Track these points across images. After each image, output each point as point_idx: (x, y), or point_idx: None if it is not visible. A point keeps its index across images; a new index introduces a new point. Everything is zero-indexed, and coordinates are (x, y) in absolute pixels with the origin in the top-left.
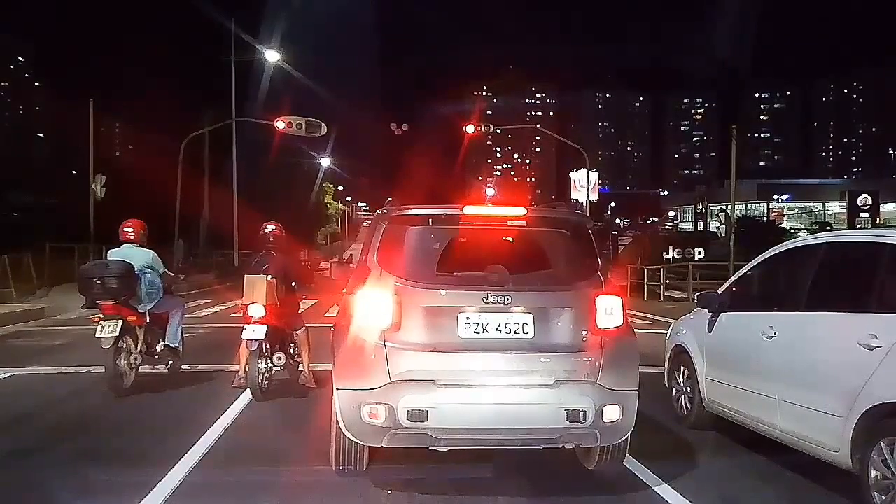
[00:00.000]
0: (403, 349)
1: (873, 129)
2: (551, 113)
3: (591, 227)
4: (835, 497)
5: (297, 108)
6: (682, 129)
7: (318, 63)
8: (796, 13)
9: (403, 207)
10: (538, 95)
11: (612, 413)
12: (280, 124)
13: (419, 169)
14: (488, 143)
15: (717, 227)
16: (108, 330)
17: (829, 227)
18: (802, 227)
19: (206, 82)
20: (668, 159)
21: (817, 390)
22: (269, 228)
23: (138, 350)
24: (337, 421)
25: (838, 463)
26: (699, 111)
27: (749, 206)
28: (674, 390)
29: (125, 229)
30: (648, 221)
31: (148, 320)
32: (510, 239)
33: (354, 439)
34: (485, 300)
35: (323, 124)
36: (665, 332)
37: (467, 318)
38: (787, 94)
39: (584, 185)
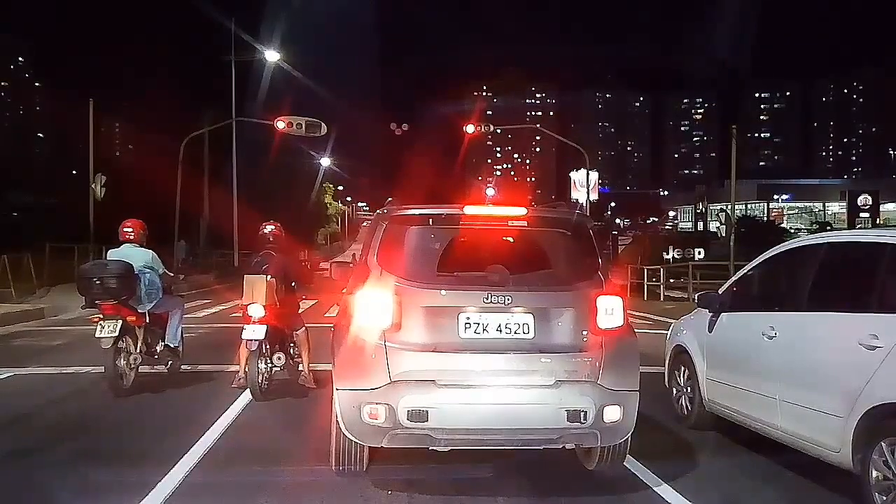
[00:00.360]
0: (403, 349)
1: (873, 129)
2: (551, 113)
3: (592, 226)
4: (835, 497)
5: (297, 108)
6: (682, 129)
7: (318, 63)
8: (796, 13)
9: (403, 207)
10: (538, 95)
11: (612, 413)
12: (280, 124)
13: (419, 169)
14: (488, 143)
15: (717, 227)
16: (107, 330)
17: (829, 227)
18: (802, 227)
19: (206, 82)
20: (668, 159)
21: (818, 390)
22: (269, 228)
23: (138, 350)
24: (337, 421)
25: (839, 463)
26: (699, 111)
27: (749, 206)
28: (674, 390)
29: (125, 229)
30: (648, 221)
31: (147, 320)
32: (510, 239)
33: (354, 439)
34: (485, 300)
35: (323, 124)
36: (665, 332)
37: (468, 319)
38: (787, 94)
39: (584, 185)
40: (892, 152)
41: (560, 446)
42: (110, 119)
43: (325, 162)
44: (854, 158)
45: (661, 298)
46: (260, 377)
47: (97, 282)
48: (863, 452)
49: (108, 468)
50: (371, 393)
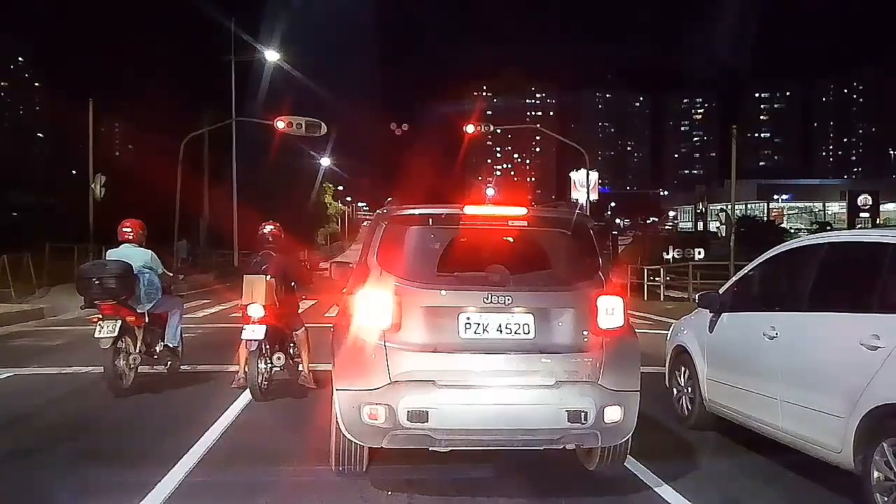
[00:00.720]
0: (403, 349)
1: (873, 129)
2: (551, 113)
3: (592, 226)
4: (836, 498)
5: (296, 108)
6: (682, 129)
7: (318, 63)
8: (796, 13)
9: (403, 207)
10: (538, 95)
11: (613, 414)
12: (280, 124)
13: (419, 169)
14: (488, 143)
15: (717, 227)
16: (106, 330)
17: (829, 227)
18: (802, 227)
19: (206, 82)
20: (668, 159)
21: (819, 391)
22: (268, 228)
23: (137, 350)
24: (337, 421)
25: (840, 463)
26: (699, 111)
27: (749, 206)
28: (674, 390)
29: (124, 229)
30: (648, 221)
31: (147, 320)
32: (511, 239)
33: (354, 440)
34: (485, 300)
35: (323, 124)
36: (665, 332)
37: (468, 319)
38: (787, 94)
39: (584, 185)
40: (892, 152)
41: (560, 447)
42: (110, 119)
43: (325, 162)
44: (854, 158)
45: (662, 298)
46: (260, 377)
47: (96, 282)
48: (864, 453)
49: (108, 468)
50: (371, 393)
